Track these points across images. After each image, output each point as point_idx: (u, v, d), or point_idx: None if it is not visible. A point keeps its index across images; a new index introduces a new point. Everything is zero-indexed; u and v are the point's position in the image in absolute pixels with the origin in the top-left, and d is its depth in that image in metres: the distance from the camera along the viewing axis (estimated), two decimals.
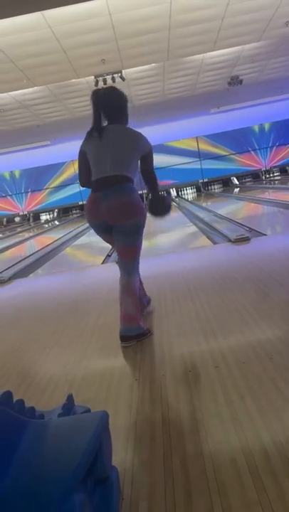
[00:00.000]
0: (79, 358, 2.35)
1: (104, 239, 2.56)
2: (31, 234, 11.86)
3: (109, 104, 2.44)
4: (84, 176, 2.48)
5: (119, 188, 2.33)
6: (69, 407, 1.32)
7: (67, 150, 15.44)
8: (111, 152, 2.35)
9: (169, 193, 2.75)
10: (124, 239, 2.41)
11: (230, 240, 4.85)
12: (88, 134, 2.43)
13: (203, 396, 1.71)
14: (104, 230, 2.46)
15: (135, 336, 2.39)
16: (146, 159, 2.48)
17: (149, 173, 2.55)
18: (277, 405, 1.55)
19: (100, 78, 8.72)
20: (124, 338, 2.38)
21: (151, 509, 1.20)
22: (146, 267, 3.61)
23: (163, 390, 1.81)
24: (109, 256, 5.54)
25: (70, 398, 1.36)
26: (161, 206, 2.70)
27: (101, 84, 8.87)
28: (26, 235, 11.76)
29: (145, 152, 2.44)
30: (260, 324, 2.34)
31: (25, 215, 16.27)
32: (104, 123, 2.45)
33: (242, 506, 1.15)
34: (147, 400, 1.76)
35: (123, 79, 8.92)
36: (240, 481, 1.24)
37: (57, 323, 3.07)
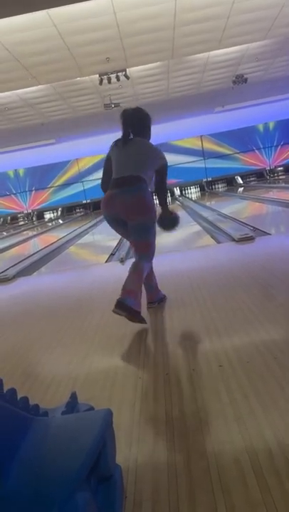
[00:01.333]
0: (82, 356, 2.35)
1: (116, 230, 2.86)
2: (35, 232, 11.89)
3: (136, 122, 2.83)
4: (107, 180, 2.80)
5: (134, 187, 2.64)
6: (72, 404, 1.32)
7: (72, 149, 15.48)
8: (132, 157, 2.71)
9: (175, 215, 3.02)
10: (139, 233, 2.70)
11: (234, 240, 4.83)
12: (115, 143, 2.81)
13: (207, 395, 1.70)
14: (117, 223, 2.76)
15: (127, 307, 2.47)
16: (162, 171, 2.81)
17: (162, 185, 2.87)
18: (281, 405, 1.55)
19: (105, 76, 8.71)
20: (117, 303, 2.48)
21: (155, 508, 1.20)
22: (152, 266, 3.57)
23: (166, 388, 1.80)
24: (113, 255, 5.54)
25: (73, 396, 1.36)
26: (170, 221, 2.97)
27: (105, 83, 8.88)
28: (30, 233, 11.78)
29: (162, 164, 2.80)
30: (264, 324, 2.33)
31: (29, 213, 16.31)
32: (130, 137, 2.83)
33: (246, 506, 1.14)
34: (151, 399, 1.76)
35: (127, 77, 8.92)
36: (244, 480, 1.23)
37: (61, 322, 3.07)
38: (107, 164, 2.81)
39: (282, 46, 9.46)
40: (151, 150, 2.79)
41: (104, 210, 2.75)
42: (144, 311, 2.72)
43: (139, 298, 2.58)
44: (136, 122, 2.82)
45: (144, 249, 2.72)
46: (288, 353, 1.93)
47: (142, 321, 2.54)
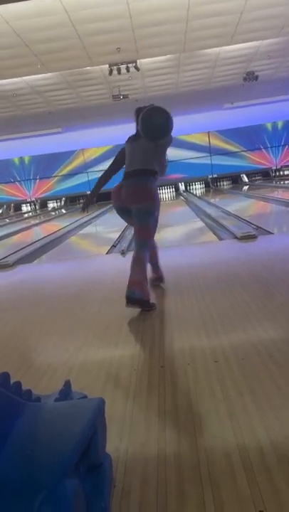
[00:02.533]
0: (79, 345, 2.35)
1: (124, 219, 3.11)
2: (37, 221, 11.87)
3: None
4: (111, 171, 3.06)
5: (142, 178, 2.85)
6: (66, 392, 1.32)
7: (78, 139, 15.39)
8: (142, 152, 2.87)
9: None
10: (141, 217, 2.87)
11: (236, 237, 4.82)
12: (129, 138, 2.99)
13: (201, 390, 1.70)
14: (123, 212, 2.99)
15: (138, 300, 2.69)
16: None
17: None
18: (275, 403, 1.54)
19: (115, 67, 8.65)
20: (127, 299, 2.69)
21: (143, 498, 1.20)
22: None
23: (161, 381, 1.80)
24: (115, 246, 5.53)
25: (67, 384, 1.36)
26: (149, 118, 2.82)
27: (115, 74, 8.82)
28: (32, 221, 11.77)
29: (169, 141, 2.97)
30: (262, 322, 2.32)
31: (33, 201, 16.27)
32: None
33: (234, 501, 1.14)
34: (144, 391, 1.75)
35: (138, 69, 8.85)
36: (234, 476, 1.23)
37: (59, 310, 3.07)
38: (120, 156, 3.03)
39: None
40: (160, 146, 2.88)
41: (112, 200, 2.98)
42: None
43: (146, 286, 2.77)
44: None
45: (145, 234, 2.89)
46: (285, 352, 1.92)
47: (152, 307, 2.76)
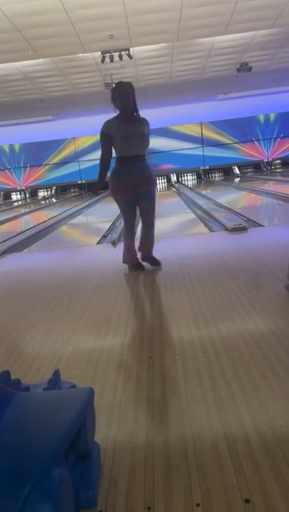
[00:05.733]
0: (68, 335, 2.35)
1: (130, 211, 3.43)
2: (27, 210, 11.76)
3: (133, 98, 3.29)
4: (110, 150, 3.35)
5: (142, 164, 3.32)
6: (55, 382, 1.32)
7: (69, 127, 15.20)
8: (138, 136, 3.25)
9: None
10: (150, 199, 3.37)
11: (227, 229, 4.83)
12: (116, 120, 3.28)
13: (190, 380, 1.71)
14: (130, 203, 3.38)
15: (153, 258, 3.57)
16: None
17: None
18: (263, 394, 1.56)
19: (107, 54, 8.53)
20: (151, 261, 3.55)
21: (131, 487, 1.21)
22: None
23: (150, 371, 1.81)
24: (105, 237, 5.51)
25: (56, 373, 1.36)
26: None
27: (107, 61, 8.70)
28: (22, 210, 11.66)
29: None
30: (251, 314, 2.34)
31: (23, 189, 16.09)
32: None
33: (221, 490, 1.16)
34: (133, 380, 1.76)
35: (130, 57, 8.74)
36: (221, 465, 1.24)
37: (48, 300, 3.06)
38: (108, 140, 3.25)
39: None
40: (148, 128, 3.30)
41: (117, 194, 3.34)
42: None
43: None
44: (133, 98, 3.23)
45: (153, 212, 3.43)
46: (273, 343, 1.94)
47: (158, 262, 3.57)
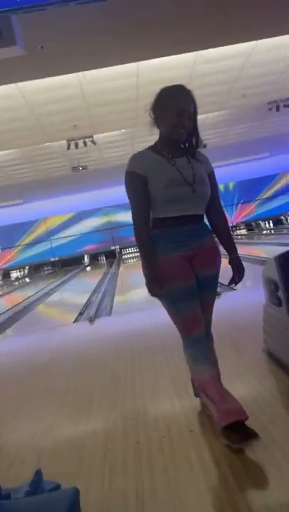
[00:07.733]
0: (48, 426, 2.24)
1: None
2: (0, 292, 11.61)
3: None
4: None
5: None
6: (37, 483, 1.26)
7: (40, 208, 15.65)
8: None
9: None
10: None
11: None
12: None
13: (178, 463, 1.65)
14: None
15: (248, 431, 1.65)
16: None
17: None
18: (252, 471, 1.52)
19: (72, 142, 9.10)
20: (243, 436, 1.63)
21: None
22: (122, 325, 3.57)
23: (136, 459, 1.73)
24: (82, 314, 5.48)
25: (38, 473, 1.29)
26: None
27: (73, 148, 9.25)
28: None
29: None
30: (233, 383, 2.32)
31: None
32: None
33: None
34: (120, 472, 1.68)
35: (94, 143, 9.34)
36: None
37: (25, 389, 2.94)
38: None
39: (237, 117, 10.35)
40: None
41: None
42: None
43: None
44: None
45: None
46: (266, 412, 1.92)
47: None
